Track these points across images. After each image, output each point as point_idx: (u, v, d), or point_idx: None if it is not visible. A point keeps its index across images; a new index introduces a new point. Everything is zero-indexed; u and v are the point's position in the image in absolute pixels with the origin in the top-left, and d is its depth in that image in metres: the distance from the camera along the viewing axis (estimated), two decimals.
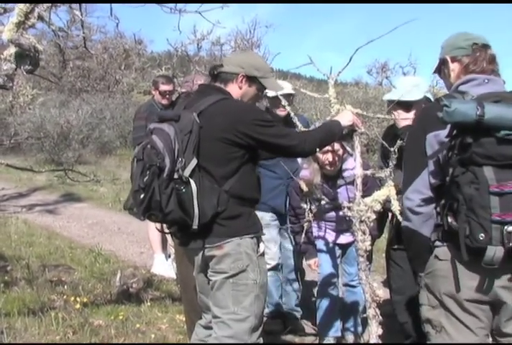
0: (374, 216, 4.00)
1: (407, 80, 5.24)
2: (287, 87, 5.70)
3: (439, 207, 3.19)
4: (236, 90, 3.88)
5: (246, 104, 3.86)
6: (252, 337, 3.70)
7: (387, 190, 3.98)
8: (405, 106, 4.82)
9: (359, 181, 4.14)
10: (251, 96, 3.96)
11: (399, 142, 4.29)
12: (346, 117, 4.13)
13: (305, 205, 5.11)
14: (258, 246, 3.79)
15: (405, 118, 4.79)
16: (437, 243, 3.22)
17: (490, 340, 3.27)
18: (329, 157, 5.10)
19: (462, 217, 2.94)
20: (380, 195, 3.98)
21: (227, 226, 3.66)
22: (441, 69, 3.51)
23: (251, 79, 3.89)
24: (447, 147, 3.05)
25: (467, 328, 3.15)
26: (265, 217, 5.81)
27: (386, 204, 4.14)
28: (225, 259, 3.66)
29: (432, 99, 4.96)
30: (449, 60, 3.41)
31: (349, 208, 4.11)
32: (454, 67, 3.40)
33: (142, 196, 3.48)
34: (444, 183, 3.13)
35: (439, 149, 3.14)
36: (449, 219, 3.06)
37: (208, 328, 3.94)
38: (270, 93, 5.55)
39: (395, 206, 3.97)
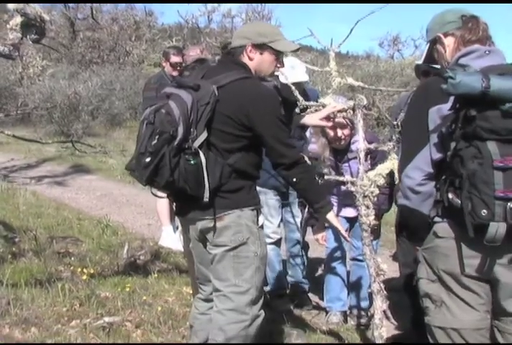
0: (377, 191, 3.97)
1: None
2: (301, 72, 5.65)
3: (439, 183, 3.11)
4: (248, 62, 3.78)
5: (268, 93, 3.71)
6: (253, 309, 3.70)
7: (391, 164, 3.94)
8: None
9: (362, 155, 4.11)
10: (268, 64, 3.84)
11: (402, 115, 4.24)
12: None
13: None
14: (258, 218, 3.77)
15: None
16: (436, 219, 3.16)
17: (490, 316, 3.23)
18: (338, 132, 5.06)
19: (464, 193, 2.88)
20: (383, 168, 3.94)
21: (228, 198, 3.64)
22: (434, 50, 3.40)
23: (260, 46, 3.76)
24: (450, 120, 2.97)
25: (467, 304, 3.11)
26: (268, 193, 5.81)
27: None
28: (225, 231, 3.65)
29: None
30: (441, 36, 3.31)
31: (352, 183, 4.08)
32: (448, 43, 3.30)
33: (147, 160, 3.44)
34: (445, 159, 3.06)
35: (441, 122, 3.05)
36: (450, 195, 2.99)
37: (208, 300, 3.93)
38: (283, 80, 5.47)
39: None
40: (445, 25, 3.31)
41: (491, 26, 3.29)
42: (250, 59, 3.78)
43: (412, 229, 3.38)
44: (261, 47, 3.77)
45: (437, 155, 3.09)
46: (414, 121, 3.23)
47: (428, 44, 3.46)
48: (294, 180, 3.72)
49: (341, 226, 4.04)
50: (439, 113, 3.06)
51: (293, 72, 5.49)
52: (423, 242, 3.26)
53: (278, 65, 3.94)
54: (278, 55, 3.88)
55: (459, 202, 2.91)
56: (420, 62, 5.01)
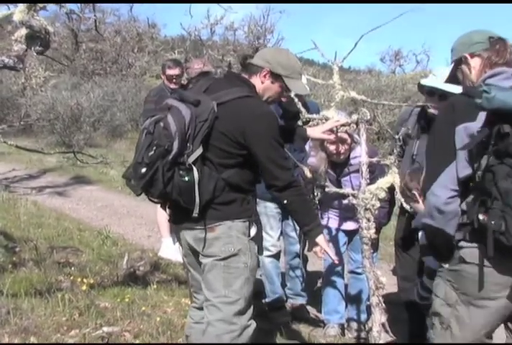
0: (378, 204, 3.99)
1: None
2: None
3: (467, 204, 3.02)
4: (258, 83, 3.85)
5: (266, 113, 3.74)
6: (241, 320, 3.72)
7: (392, 178, 3.96)
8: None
9: (364, 168, 4.13)
10: (273, 92, 3.92)
11: (403, 129, 4.27)
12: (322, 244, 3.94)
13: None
14: (249, 229, 3.80)
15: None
16: (463, 243, 3.06)
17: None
18: (338, 146, 5.08)
19: (496, 212, 2.78)
20: (384, 182, 3.96)
21: (220, 210, 3.69)
22: (458, 70, 3.36)
23: (275, 76, 3.84)
24: (482, 137, 2.88)
25: (473, 331, 3.09)
26: (269, 205, 5.83)
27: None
28: (216, 242, 3.69)
29: None
30: (467, 56, 3.28)
31: (353, 196, 4.10)
32: (474, 64, 3.27)
33: (143, 170, 3.51)
34: (472, 178, 2.97)
35: (470, 140, 2.96)
36: (481, 217, 2.88)
37: (202, 309, 3.95)
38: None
39: (400, 193, 3.96)
40: (472, 45, 3.29)
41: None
42: (261, 82, 3.85)
43: (438, 249, 3.28)
44: (276, 77, 3.85)
45: (463, 173, 3.01)
46: (440, 139, 3.18)
47: (453, 64, 3.42)
48: (285, 201, 3.79)
49: (331, 251, 4.04)
50: (466, 131, 2.99)
51: None
52: (447, 261, 3.20)
53: (282, 99, 4.00)
54: (286, 90, 4.00)
55: (492, 223, 2.80)
56: (424, 80, 5.03)
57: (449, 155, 3.07)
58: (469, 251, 3.04)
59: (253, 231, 3.83)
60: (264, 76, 3.83)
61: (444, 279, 3.22)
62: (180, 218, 3.79)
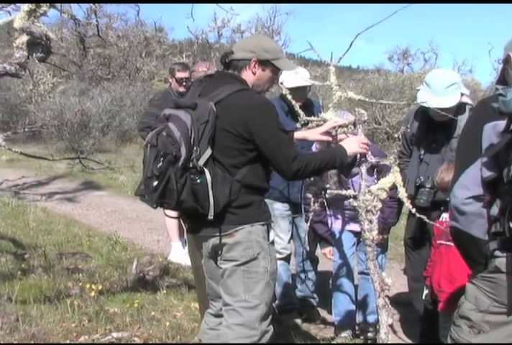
0: (380, 205, 3.94)
1: (442, 80, 4.97)
2: (305, 77, 5.66)
3: (498, 212, 2.88)
4: (250, 76, 3.82)
5: (264, 103, 3.73)
6: (262, 325, 3.68)
7: (393, 177, 3.91)
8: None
9: (363, 170, 4.10)
10: (266, 80, 3.90)
11: (402, 128, 4.23)
12: (352, 145, 4.03)
13: (309, 195, 5.08)
14: (268, 233, 3.76)
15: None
16: (497, 253, 2.94)
17: None
18: None
19: None
20: (385, 182, 3.91)
21: (238, 214, 3.65)
22: (506, 71, 3.24)
23: (263, 63, 3.82)
24: (505, 142, 2.76)
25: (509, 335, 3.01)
26: (279, 207, 5.82)
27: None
28: (236, 247, 3.65)
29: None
30: (511, 55, 3.19)
31: (354, 198, 4.07)
32: None
33: (155, 183, 3.47)
34: (499, 180, 2.84)
35: (497, 140, 2.84)
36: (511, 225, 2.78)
37: (218, 316, 3.92)
38: (287, 85, 5.50)
39: (402, 193, 3.91)
40: None
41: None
42: (253, 73, 3.83)
43: (466, 253, 3.16)
44: (264, 63, 3.83)
45: (487, 174, 2.89)
46: (468, 137, 3.10)
47: (502, 64, 3.33)
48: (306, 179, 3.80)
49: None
50: (495, 129, 2.87)
51: (296, 77, 5.52)
52: (479, 268, 3.08)
53: (274, 82, 4.00)
54: (277, 73, 3.96)
55: None
56: (420, 99, 4.99)
57: (473, 154, 2.96)
58: (504, 261, 2.93)
59: (272, 235, 3.82)
60: (254, 66, 3.80)
61: (476, 285, 3.11)
62: (199, 226, 3.75)
